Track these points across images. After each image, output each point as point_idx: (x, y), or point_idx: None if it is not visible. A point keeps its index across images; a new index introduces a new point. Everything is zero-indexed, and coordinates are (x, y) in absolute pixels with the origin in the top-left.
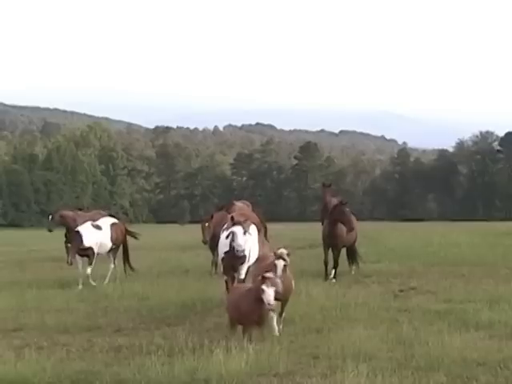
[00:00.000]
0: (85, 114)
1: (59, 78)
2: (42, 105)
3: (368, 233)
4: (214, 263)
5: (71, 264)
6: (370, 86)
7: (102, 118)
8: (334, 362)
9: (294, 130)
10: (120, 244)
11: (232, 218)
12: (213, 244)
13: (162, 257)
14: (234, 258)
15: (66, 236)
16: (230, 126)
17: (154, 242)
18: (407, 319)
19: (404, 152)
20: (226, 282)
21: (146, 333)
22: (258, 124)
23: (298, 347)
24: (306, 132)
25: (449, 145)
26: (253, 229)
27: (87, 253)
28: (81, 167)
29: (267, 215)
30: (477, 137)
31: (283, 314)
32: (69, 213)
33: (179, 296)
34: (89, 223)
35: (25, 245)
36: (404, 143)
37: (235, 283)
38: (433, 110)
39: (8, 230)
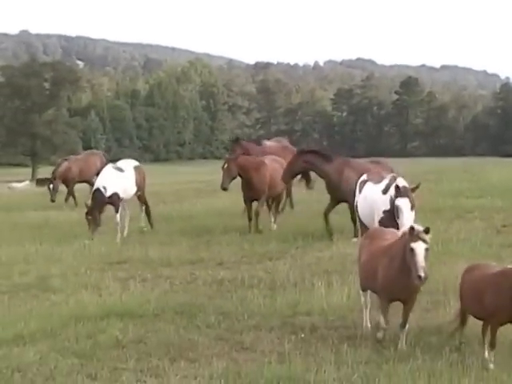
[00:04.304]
0: (186, 50)
1: (161, 14)
2: (144, 41)
3: (470, 168)
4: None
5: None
6: (471, 19)
7: (203, 53)
8: (436, 297)
9: (395, 65)
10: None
11: (397, 186)
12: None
13: None
14: (395, 225)
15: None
16: (330, 61)
17: None
18: (510, 255)
19: (507, 87)
20: None
21: (247, 266)
22: (358, 59)
23: None
24: (407, 67)
25: None
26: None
27: (112, 200)
28: (182, 103)
29: (368, 151)
30: None
31: (407, 325)
32: (61, 168)
33: (281, 230)
34: (109, 167)
35: None
36: (507, 78)
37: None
38: None
39: None
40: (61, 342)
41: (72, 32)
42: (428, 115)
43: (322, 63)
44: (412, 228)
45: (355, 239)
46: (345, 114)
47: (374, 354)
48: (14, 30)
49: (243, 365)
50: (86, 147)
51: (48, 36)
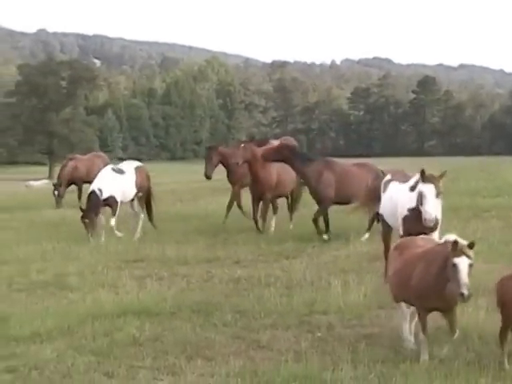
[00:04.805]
0: (203, 49)
1: (177, 12)
2: (161, 39)
3: (487, 167)
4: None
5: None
6: (488, 18)
7: (220, 52)
8: None
9: (412, 64)
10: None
11: (423, 171)
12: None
13: None
14: (421, 225)
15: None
16: (347, 60)
17: None
18: None
19: None
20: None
21: (264, 265)
22: (375, 58)
23: None
24: (424, 66)
25: None
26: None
27: (108, 202)
28: (199, 101)
29: (385, 150)
30: None
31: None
32: (68, 168)
33: (297, 229)
34: (108, 168)
35: None
36: None
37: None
38: None
39: None
40: (78, 339)
41: (89, 31)
42: (445, 114)
43: (338, 62)
44: (455, 242)
45: (367, 235)
46: (361, 112)
47: (391, 353)
48: (31, 28)
49: (260, 363)
50: (103, 146)
51: (65, 35)
